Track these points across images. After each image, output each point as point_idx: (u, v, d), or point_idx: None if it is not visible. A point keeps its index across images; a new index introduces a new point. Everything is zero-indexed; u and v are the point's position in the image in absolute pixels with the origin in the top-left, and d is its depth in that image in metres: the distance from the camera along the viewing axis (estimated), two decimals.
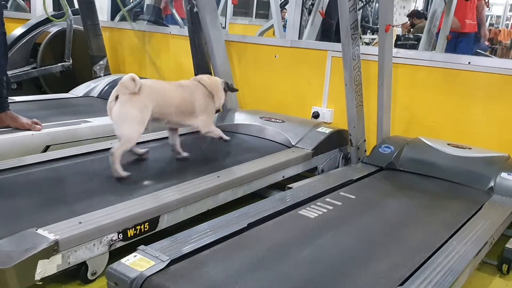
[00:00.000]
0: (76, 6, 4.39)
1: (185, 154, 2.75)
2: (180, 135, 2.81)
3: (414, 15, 6.60)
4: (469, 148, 2.91)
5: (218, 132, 2.80)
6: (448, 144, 2.95)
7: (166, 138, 2.83)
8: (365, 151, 3.23)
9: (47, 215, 1.92)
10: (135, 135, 2.37)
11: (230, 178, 2.50)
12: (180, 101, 2.58)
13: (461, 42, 5.16)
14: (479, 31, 5.15)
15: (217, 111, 2.88)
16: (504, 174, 2.66)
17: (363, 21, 7.52)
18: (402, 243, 1.98)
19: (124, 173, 2.34)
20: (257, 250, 1.82)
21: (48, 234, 1.74)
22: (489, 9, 10.40)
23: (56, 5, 4.63)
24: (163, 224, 2.11)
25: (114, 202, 2.06)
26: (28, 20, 4.77)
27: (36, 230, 1.76)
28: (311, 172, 3.12)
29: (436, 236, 2.06)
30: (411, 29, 6.31)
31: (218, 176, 2.47)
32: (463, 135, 3.13)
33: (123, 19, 5.13)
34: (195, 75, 3.77)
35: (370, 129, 3.25)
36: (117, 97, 2.32)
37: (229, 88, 2.85)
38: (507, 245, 2.27)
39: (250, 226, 1.99)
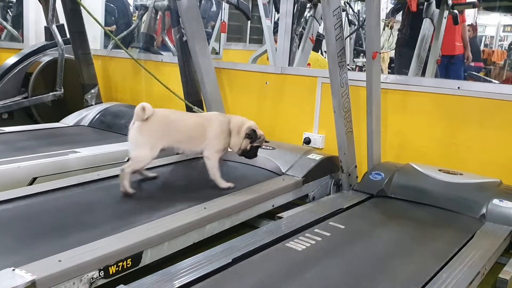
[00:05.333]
0: (68, 35, 4.41)
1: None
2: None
3: None
4: (461, 174, 2.88)
5: (215, 171, 2.72)
6: (439, 170, 2.92)
7: (148, 169, 2.83)
8: (357, 177, 3.20)
9: (27, 252, 1.88)
10: (145, 158, 2.57)
11: (217, 209, 2.45)
12: (192, 129, 2.70)
13: (452, 64, 5.20)
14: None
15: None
16: (496, 201, 2.62)
17: (356, 44, 7.57)
18: (390, 276, 1.93)
19: (131, 190, 2.53)
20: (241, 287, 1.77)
21: (25, 274, 1.69)
22: (482, 31, 10.51)
23: (48, 34, 4.64)
24: (146, 259, 2.06)
25: (96, 237, 2.01)
26: (21, 49, 4.80)
27: (14, 270, 1.71)
28: (302, 199, 3.08)
29: (426, 268, 2.01)
30: None
31: (205, 208, 2.43)
32: (455, 161, 3.10)
33: (115, 47, 5.17)
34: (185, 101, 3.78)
35: (362, 154, 3.22)
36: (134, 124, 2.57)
37: (251, 137, 2.74)
38: (500, 275, 2.21)
39: (235, 261, 1.94)
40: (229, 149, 2.81)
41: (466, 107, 3.13)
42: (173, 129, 2.64)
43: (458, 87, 3.15)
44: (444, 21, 4.24)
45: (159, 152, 2.60)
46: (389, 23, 4.72)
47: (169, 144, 2.63)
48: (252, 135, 2.74)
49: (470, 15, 6.16)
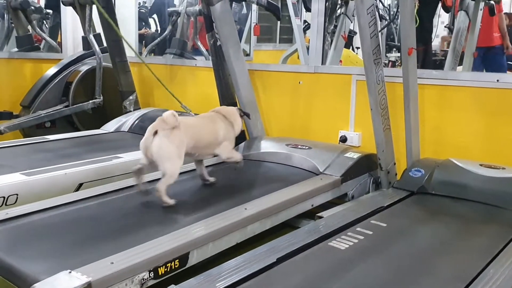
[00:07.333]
0: (105, 44, 4.54)
1: (212, 179, 2.87)
2: (207, 166, 2.94)
3: None
4: (503, 168, 2.83)
5: (239, 157, 2.92)
6: (481, 165, 2.87)
7: (190, 171, 2.88)
8: (396, 174, 3.18)
9: (80, 255, 1.95)
10: (177, 169, 2.47)
11: (258, 210, 2.49)
12: (209, 134, 2.74)
13: (492, 56, 5.04)
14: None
15: (239, 139, 3.03)
16: None
17: (388, 39, 7.48)
18: (436, 274, 1.92)
19: (172, 202, 2.46)
20: (288, 286, 1.81)
21: (81, 276, 1.77)
22: None
23: (86, 44, 4.80)
24: (193, 260, 2.12)
25: (144, 239, 2.08)
26: (60, 60, 4.97)
27: (70, 272, 1.79)
28: (341, 198, 3.08)
29: (472, 264, 1.99)
30: None
31: (246, 209, 2.48)
32: (496, 155, 3.04)
33: (150, 53, 5.30)
34: (221, 105, 3.83)
35: (400, 151, 3.20)
36: (155, 133, 2.42)
37: (244, 113, 3.02)
38: None
39: (280, 260, 1.97)
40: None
41: (506, 100, 3.06)
42: (195, 136, 2.62)
43: (497, 80, 3.09)
44: (480, 13, 4.16)
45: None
46: None
47: (189, 151, 2.59)
48: (244, 112, 3.02)
49: (506, 3, 5.98)
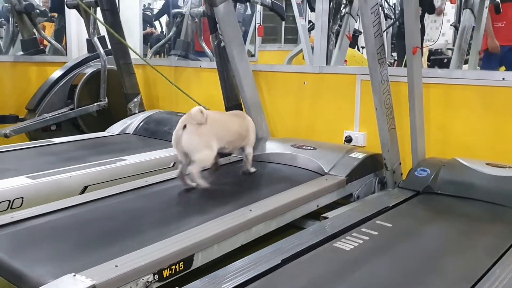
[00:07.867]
0: (109, 46, 4.55)
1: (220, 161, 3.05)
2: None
3: None
4: (509, 167, 2.80)
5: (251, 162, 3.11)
6: (487, 164, 2.85)
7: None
8: (401, 174, 3.16)
9: (85, 258, 1.96)
10: (208, 158, 2.68)
11: (263, 211, 2.48)
12: (240, 128, 2.95)
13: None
14: None
15: None
16: None
17: (393, 38, 7.44)
18: (442, 274, 1.91)
19: (206, 184, 2.67)
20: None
21: (86, 279, 1.76)
22: None
23: (90, 47, 4.81)
24: (197, 262, 2.11)
25: (148, 242, 2.08)
26: (65, 63, 4.99)
27: (74, 275, 1.79)
28: (346, 199, 3.07)
29: (478, 264, 1.98)
30: None
31: (250, 210, 2.47)
32: (502, 154, 3.01)
33: (156, 55, 5.31)
34: (225, 107, 3.84)
35: (406, 151, 3.18)
36: (184, 127, 2.60)
37: None
38: None
39: (284, 262, 1.96)
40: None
41: None
42: (225, 130, 2.81)
43: (503, 78, 3.06)
44: (485, 11, 4.12)
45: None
46: None
47: (222, 145, 2.76)
48: None
49: None
